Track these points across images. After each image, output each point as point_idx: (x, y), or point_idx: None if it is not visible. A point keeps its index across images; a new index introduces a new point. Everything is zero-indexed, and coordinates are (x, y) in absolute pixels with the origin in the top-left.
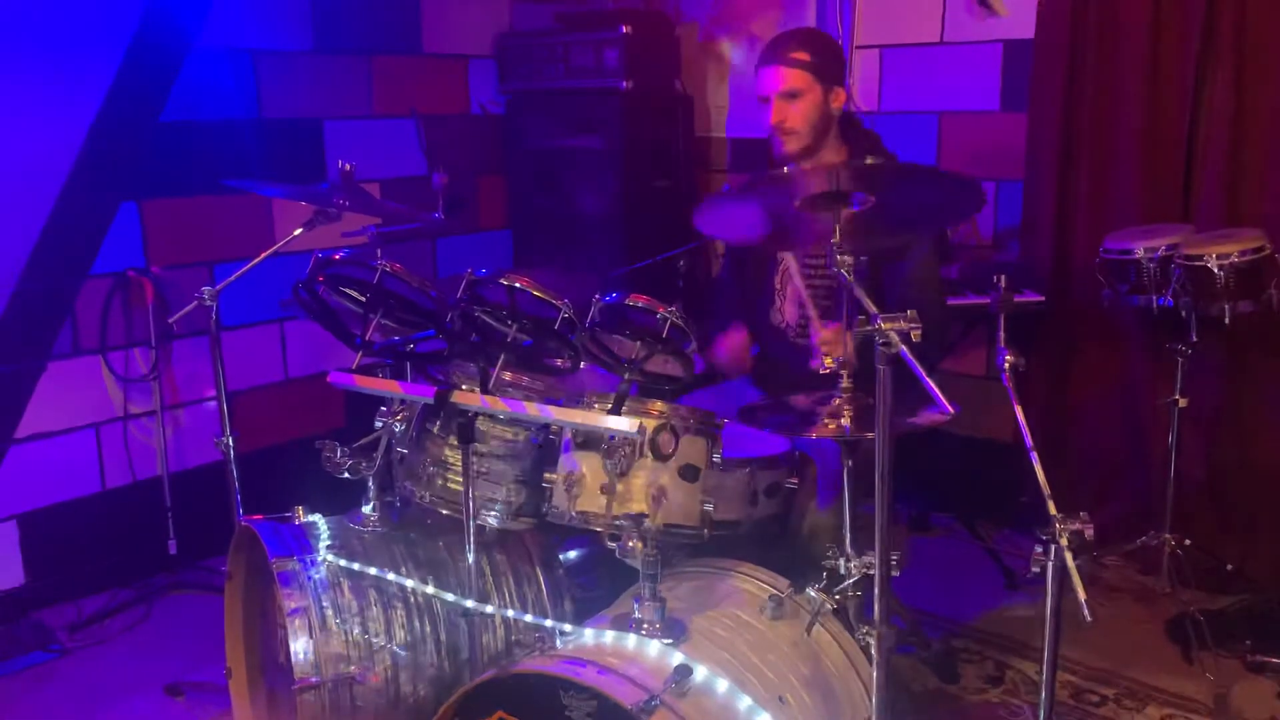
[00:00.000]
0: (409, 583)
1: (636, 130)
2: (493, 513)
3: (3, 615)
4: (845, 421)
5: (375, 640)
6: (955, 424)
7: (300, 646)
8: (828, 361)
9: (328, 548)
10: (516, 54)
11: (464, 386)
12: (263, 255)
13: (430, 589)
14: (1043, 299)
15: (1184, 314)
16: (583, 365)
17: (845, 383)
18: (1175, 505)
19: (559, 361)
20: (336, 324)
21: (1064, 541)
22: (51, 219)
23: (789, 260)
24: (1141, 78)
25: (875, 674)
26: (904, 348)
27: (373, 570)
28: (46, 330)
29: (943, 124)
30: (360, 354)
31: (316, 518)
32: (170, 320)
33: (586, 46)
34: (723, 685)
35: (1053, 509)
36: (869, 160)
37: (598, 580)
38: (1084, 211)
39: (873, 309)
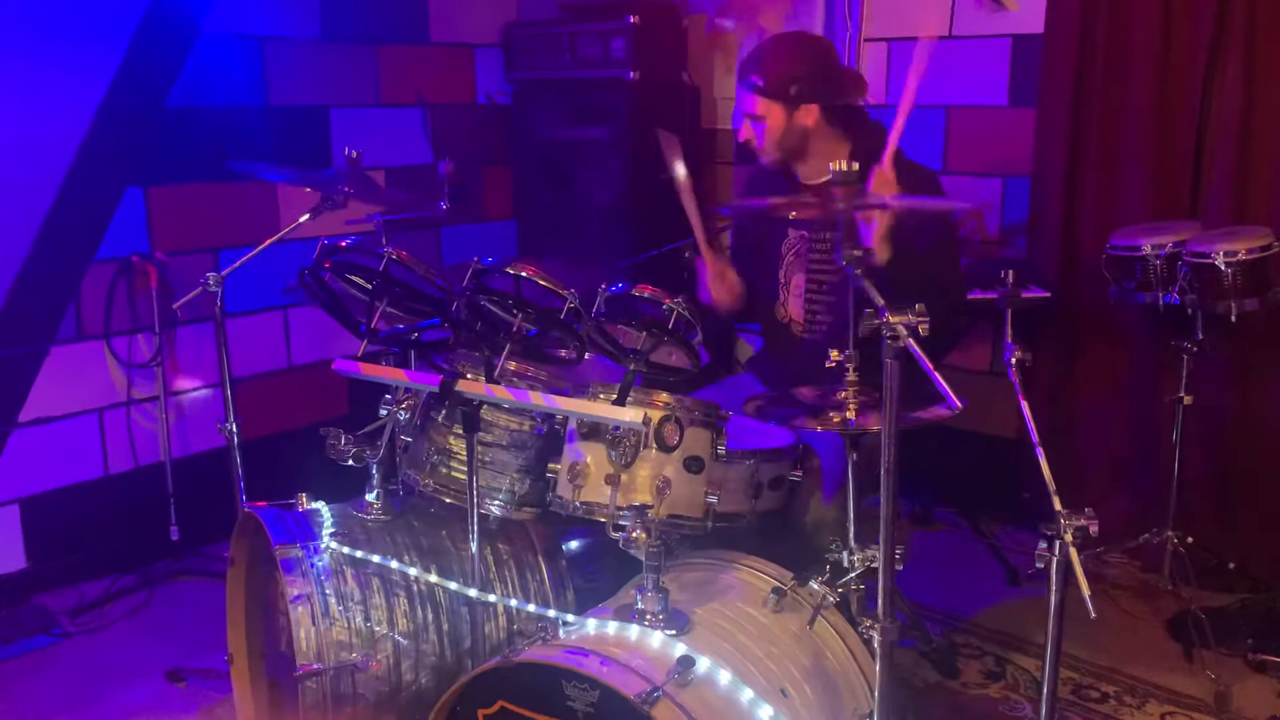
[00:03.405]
0: (412, 571)
1: (643, 121)
2: (496, 502)
3: (4, 599)
4: (850, 415)
5: (378, 628)
6: (959, 419)
7: (303, 633)
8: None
9: (331, 535)
10: (523, 44)
11: (469, 375)
12: (268, 242)
13: (433, 577)
14: (1049, 295)
15: (1190, 311)
16: (588, 355)
17: (850, 376)
18: (1178, 503)
19: (564, 351)
20: (342, 311)
21: (1068, 537)
22: (56, 204)
23: (792, 253)
24: (1151, 74)
25: (877, 668)
26: (911, 342)
27: (376, 558)
28: (51, 315)
29: (950, 119)
30: (365, 341)
31: (320, 505)
32: (175, 306)
33: (593, 36)
34: (725, 677)
35: (1058, 504)
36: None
37: (600, 571)
38: (1091, 208)
39: (880, 302)
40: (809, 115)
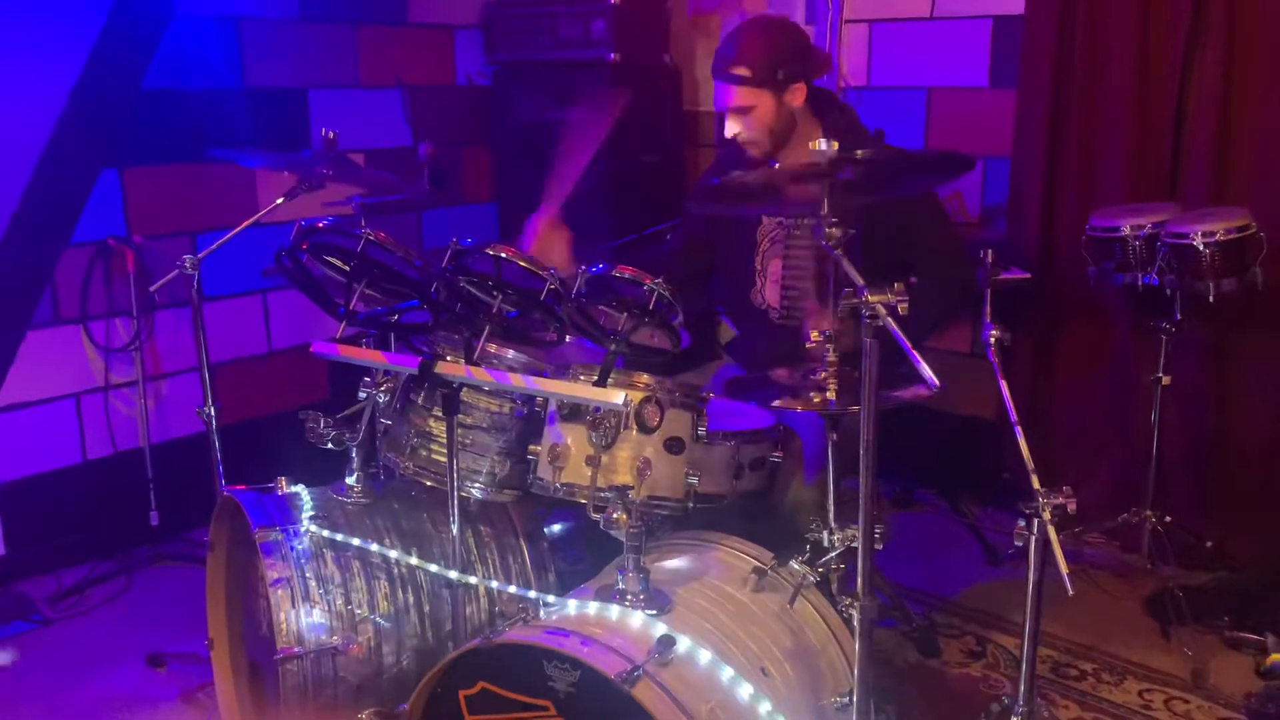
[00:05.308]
0: (392, 554)
1: (624, 103)
2: (477, 484)
3: None
4: (829, 395)
5: (358, 611)
6: (939, 401)
7: (283, 617)
8: (815, 335)
9: (311, 518)
10: (503, 24)
11: (449, 357)
12: (245, 224)
13: (414, 560)
14: (1028, 276)
15: (1169, 292)
16: (568, 337)
17: (830, 356)
18: (1157, 482)
19: (545, 333)
20: (320, 293)
21: (1047, 516)
22: (31, 186)
23: (768, 240)
24: (1130, 56)
25: (857, 646)
26: (890, 321)
27: (356, 541)
28: (26, 299)
29: (931, 100)
30: (344, 324)
31: (299, 488)
32: (152, 289)
33: (574, 17)
34: (705, 656)
35: (1036, 483)
36: (859, 153)
37: (582, 552)
38: (1071, 189)
39: (859, 280)
40: (797, 95)
